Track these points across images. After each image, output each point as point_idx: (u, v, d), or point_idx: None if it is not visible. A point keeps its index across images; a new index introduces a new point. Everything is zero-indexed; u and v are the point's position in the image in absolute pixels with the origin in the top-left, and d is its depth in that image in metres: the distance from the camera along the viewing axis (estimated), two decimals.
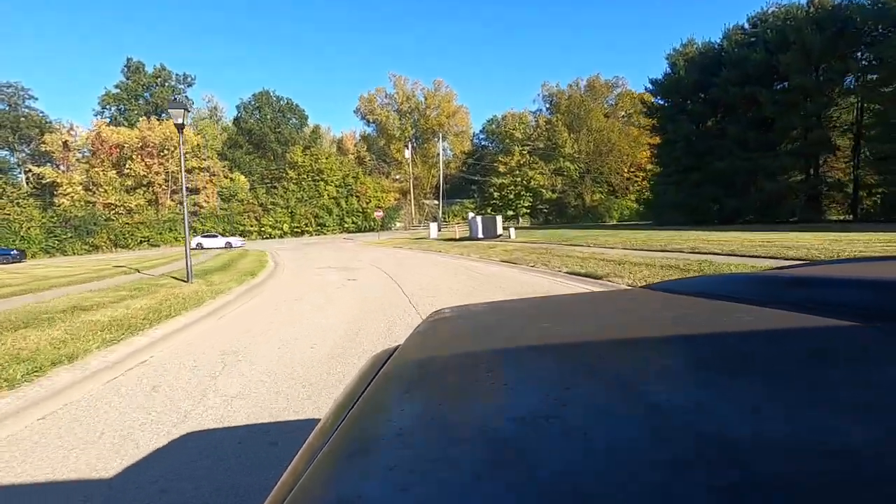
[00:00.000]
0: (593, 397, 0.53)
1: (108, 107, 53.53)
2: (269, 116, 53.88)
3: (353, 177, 52.47)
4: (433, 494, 0.36)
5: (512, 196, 55.43)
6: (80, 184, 43.40)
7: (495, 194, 55.27)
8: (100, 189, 43.75)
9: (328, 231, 50.00)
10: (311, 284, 10.24)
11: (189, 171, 48.17)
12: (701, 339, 0.73)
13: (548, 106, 59.10)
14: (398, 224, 53.25)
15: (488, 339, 0.89)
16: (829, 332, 0.66)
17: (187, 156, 47.78)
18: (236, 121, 54.52)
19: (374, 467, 0.43)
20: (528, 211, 57.80)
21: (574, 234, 20.73)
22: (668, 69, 28.83)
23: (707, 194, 26.17)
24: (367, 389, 0.66)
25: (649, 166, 46.51)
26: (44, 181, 43.18)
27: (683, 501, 0.31)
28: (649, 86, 30.30)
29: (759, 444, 0.37)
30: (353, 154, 60.08)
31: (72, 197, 42.96)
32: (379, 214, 36.40)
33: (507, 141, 56.78)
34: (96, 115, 50.58)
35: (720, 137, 25.54)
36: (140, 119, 46.47)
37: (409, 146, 52.06)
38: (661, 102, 30.21)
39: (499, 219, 23.89)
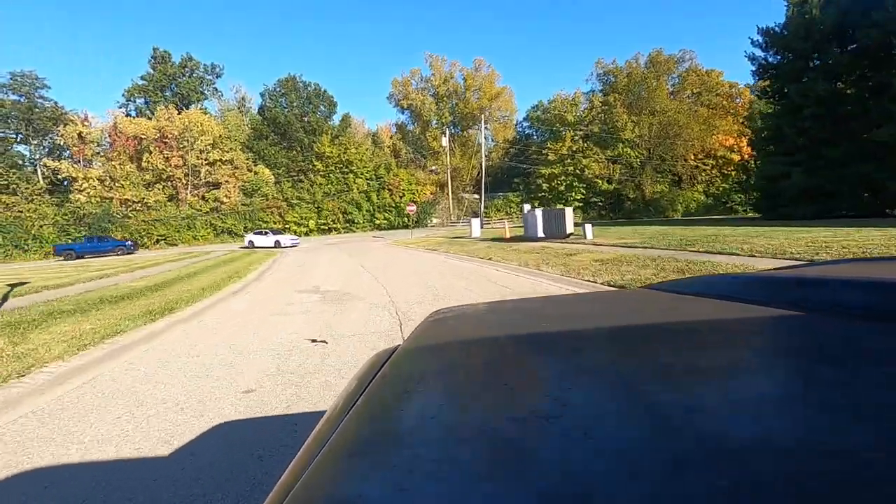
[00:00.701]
0: (593, 397, 0.54)
1: (132, 99, 51.27)
2: (295, 104, 49.93)
3: (386, 168, 47.77)
4: (433, 495, 0.36)
5: (562, 188, 49.23)
6: (97, 178, 40.64)
7: (543, 186, 49.24)
8: (116, 184, 40.90)
9: (357, 228, 45.49)
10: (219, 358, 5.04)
11: (210, 165, 44.90)
12: (701, 339, 0.74)
13: (602, 86, 52.33)
14: (434, 220, 48.15)
15: (488, 339, 0.90)
16: (830, 332, 0.66)
17: (208, 147, 44.44)
18: (261, 110, 51.00)
19: (374, 467, 0.43)
20: (581, 205, 51.43)
21: (682, 234, 14.69)
22: (788, 13, 22.07)
23: (852, 176, 19.40)
24: (367, 390, 0.66)
25: (742, 147, 39.26)
26: (59, 176, 40.75)
27: (684, 501, 0.31)
28: (757, 38, 23.57)
29: (760, 445, 0.37)
30: (388, 147, 55.41)
31: (88, 193, 40.29)
32: (411, 209, 31.38)
33: (557, 126, 50.54)
34: (120, 108, 48.07)
35: (877, 96, 18.69)
36: (158, 108, 43.22)
37: (447, 133, 46.74)
38: (775, 60, 23.41)
39: (569, 212, 18.10)
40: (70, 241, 37.45)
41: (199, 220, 41.68)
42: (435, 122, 53.61)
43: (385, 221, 45.65)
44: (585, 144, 48.87)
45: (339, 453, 0.47)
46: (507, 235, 20.76)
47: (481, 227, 25.11)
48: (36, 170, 41.46)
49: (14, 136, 39.47)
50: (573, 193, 49.78)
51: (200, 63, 54.01)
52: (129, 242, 34.25)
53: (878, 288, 0.77)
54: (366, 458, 0.46)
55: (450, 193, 48.13)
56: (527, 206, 23.83)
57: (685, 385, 0.55)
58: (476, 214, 47.97)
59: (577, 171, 48.20)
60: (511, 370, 0.69)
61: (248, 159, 47.44)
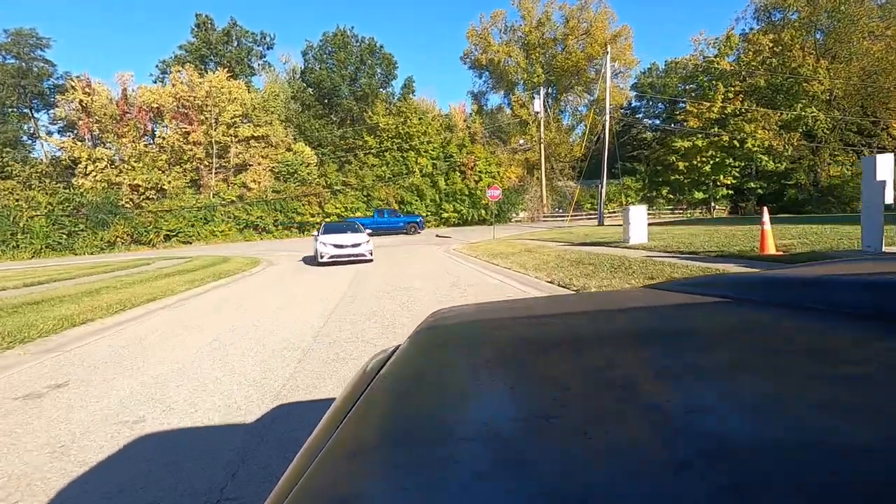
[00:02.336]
0: (593, 397, 0.55)
1: (167, 72, 44.54)
2: (345, 64, 40.03)
3: (458, 145, 36.42)
4: (433, 495, 0.37)
5: (707, 167, 34.90)
6: (106, 158, 33.37)
7: (679, 165, 35.20)
8: (126, 166, 33.39)
9: None
10: None
11: (241, 142, 36.32)
12: (701, 338, 0.75)
13: (762, 25, 36.87)
14: (521, 213, 36.01)
15: (487, 339, 0.91)
16: (830, 332, 0.67)
17: (238, 120, 35.82)
18: (303, 73, 41.71)
19: (374, 468, 0.45)
20: (731, 192, 36.77)
21: None
22: None
23: None
24: (367, 390, 0.67)
25: None
26: (60, 156, 34.07)
27: (684, 502, 0.32)
28: None
29: (760, 445, 0.37)
30: (462, 131, 43.80)
31: (94, 177, 33.15)
32: (493, 194, 19.82)
33: (701, 78, 36.16)
34: (155, 82, 41.08)
35: None
36: (172, 69, 35.18)
37: (540, 94, 34.36)
38: None
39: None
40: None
41: (218, 212, 33.03)
42: (521, 86, 41.40)
43: (455, 214, 34.38)
44: (744, 105, 34.13)
45: (339, 453, 0.48)
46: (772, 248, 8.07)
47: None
48: (35, 148, 34.98)
49: (7, 107, 32.98)
50: (722, 175, 35.32)
51: (248, 31, 46.29)
52: (420, 218, 30.11)
53: (879, 287, 0.77)
54: (366, 459, 0.47)
55: (543, 177, 35.78)
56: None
57: (685, 385, 0.55)
58: (574, 204, 35.54)
59: (733, 143, 33.69)
60: (511, 370, 0.70)
61: (287, 135, 38.44)
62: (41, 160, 35.00)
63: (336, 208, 33.78)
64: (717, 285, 1.06)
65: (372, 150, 36.68)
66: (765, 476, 0.32)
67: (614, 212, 36.93)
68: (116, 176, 33.30)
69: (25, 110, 35.07)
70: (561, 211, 36.85)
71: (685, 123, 35.17)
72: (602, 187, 24.27)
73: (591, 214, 36.46)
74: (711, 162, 34.73)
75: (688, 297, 1.02)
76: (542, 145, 35.56)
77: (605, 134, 23.66)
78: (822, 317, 0.72)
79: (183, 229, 32.26)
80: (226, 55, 44.12)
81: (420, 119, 36.32)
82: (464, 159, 35.55)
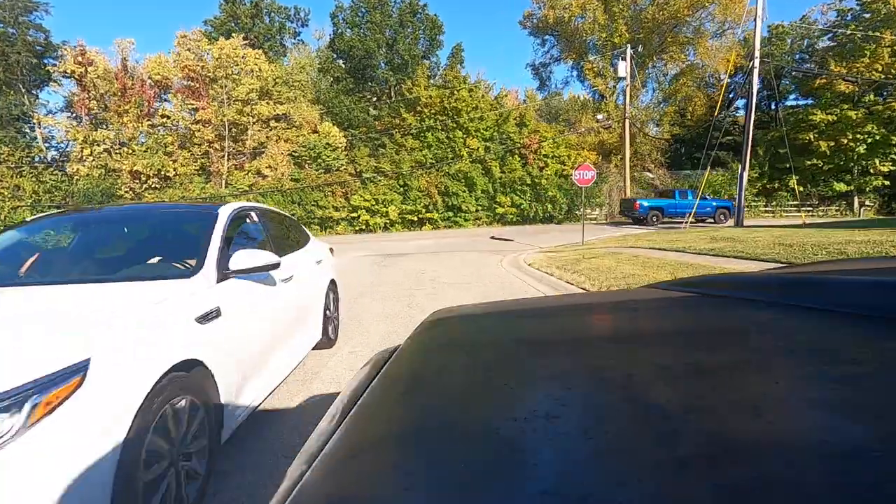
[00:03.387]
0: (593, 397, 0.56)
1: (189, 50, 40.17)
2: (380, 27, 33.79)
3: (518, 122, 29.35)
4: (434, 494, 0.37)
5: (862, 148, 25.95)
6: (107, 141, 28.91)
7: (820, 146, 26.45)
8: (125, 149, 28.77)
9: (465, 219, 27.84)
10: None
11: (260, 122, 31.03)
12: (701, 338, 0.76)
13: None
14: (599, 209, 28.37)
15: (488, 339, 0.91)
16: (830, 332, 0.67)
17: (253, 97, 30.50)
18: (332, 40, 35.85)
19: (376, 467, 0.45)
20: (887, 182, 27.54)
21: None
22: None
23: None
24: (368, 390, 0.67)
25: None
26: (51, 137, 29.96)
27: (683, 501, 0.32)
28: None
29: (760, 444, 0.38)
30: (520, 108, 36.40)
31: (91, 162, 28.79)
32: (585, 176, 12.93)
33: (852, 28, 27.11)
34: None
35: None
36: (176, 35, 30.22)
37: (627, 54, 26.55)
38: None
39: None
40: None
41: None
42: (601, 42, 33.52)
43: (512, 210, 27.37)
44: None
45: (341, 453, 0.48)
46: None
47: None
48: (29, 129, 31.04)
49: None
50: (876, 160, 26.24)
51: (280, 5, 41.34)
52: (731, 203, 24.52)
53: (879, 288, 0.78)
54: (367, 458, 0.47)
55: (627, 163, 28.00)
56: None
57: (685, 385, 0.55)
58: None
59: None
60: (511, 370, 0.70)
61: (313, 114, 32.77)
62: (37, 143, 31.03)
63: (365, 200, 27.63)
64: (717, 285, 1.06)
65: (411, 131, 30.27)
66: (765, 476, 0.32)
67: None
68: (116, 161, 28.74)
69: (20, 86, 31.21)
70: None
71: (834, 86, 26.32)
72: (744, 170, 16.47)
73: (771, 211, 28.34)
74: (869, 140, 25.72)
75: (688, 297, 1.02)
76: (627, 122, 27.76)
77: (750, 90, 15.83)
78: (822, 317, 0.72)
79: None
80: (254, 30, 39.26)
81: (471, 91, 29.46)
82: (525, 139, 28.37)
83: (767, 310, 0.82)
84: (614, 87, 32.66)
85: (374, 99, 34.79)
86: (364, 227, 28.08)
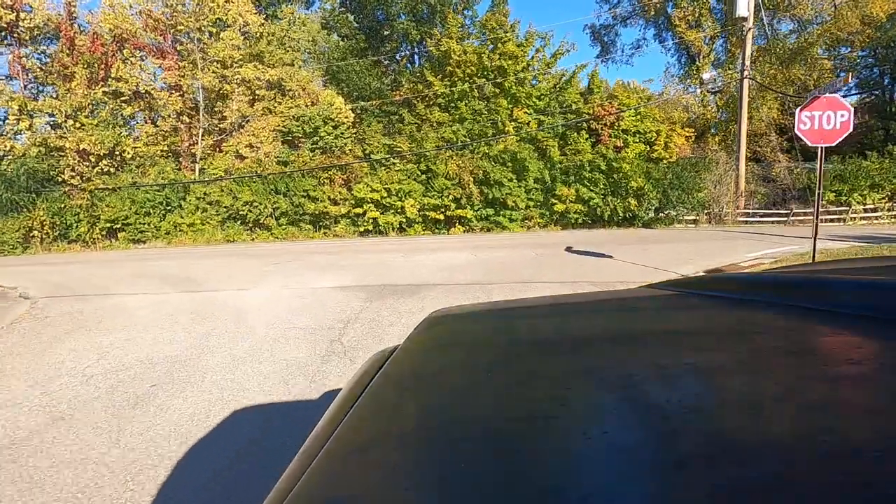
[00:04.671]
0: (593, 397, 0.56)
1: None
2: None
3: (582, 93, 21.73)
4: (433, 494, 0.38)
5: None
6: (48, 110, 22.84)
7: None
8: (69, 122, 22.52)
9: (511, 219, 20.37)
10: None
11: (241, 88, 24.49)
12: (701, 338, 0.76)
13: None
14: (699, 208, 20.26)
15: (488, 338, 0.91)
16: (830, 332, 0.68)
17: (235, 57, 23.90)
18: None
19: (375, 466, 0.46)
20: None
21: None
22: None
23: None
24: (368, 389, 0.68)
25: None
26: None
27: (683, 500, 0.32)
28: None
29: (759, 444, 0.38)
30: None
31: (28, 138, 22.79)
32: (833, 122, 4.41)
33: None
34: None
35: None
36: None
37: None
38: None
39: None
40: None
41: (192, 193, 21.05)
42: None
43: (578, 207, 19.65)
44: None
45: (339, 453, 0.49)
46: None
47: None
48: None
49: None
50: None
51: None
52: None
53: (878, 288, 0.78)
54: (366, 458, 0.48)
55: (743, 142, 19.93)
56: None
57: (685, 385, 0.56)
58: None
59: None
60: (511, 370, 0.70)
61: (312, 79, 25.92)
62: None
63: (373, 191, 20.44)
64: (717, 285, 1.05)
65: (438, 100, 22.95)
66: (764, 476, 0.33)
67: (873, 211, 20.33)
68: (59, 139, 22.49)
69: None
70: (776, 208, 20.74)
71: None
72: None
73: (832, 213, 20.10)
74: None
75: (688, 297, 1.03)
76: (745, 84, 19.66)
77: None
78: (822, 317, 0.72)
79: (132, 220, 20.52)
80: None
81: (520, 44, 21.87)
82: (596, 109, 20.59)
83: (767, 310, 0.82)
84: (712, 43, 24.54)
85: (391, 63, 27.58)
86: (371, 226, 20.93)
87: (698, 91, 25.38)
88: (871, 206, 20.38)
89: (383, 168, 21.28)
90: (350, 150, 22.39)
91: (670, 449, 0.39)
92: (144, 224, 20.73)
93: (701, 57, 25.14)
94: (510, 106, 21.85)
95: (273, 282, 8.46)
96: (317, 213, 20.77)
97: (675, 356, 0.67)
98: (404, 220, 20.85)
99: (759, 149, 22.89)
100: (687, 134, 21.38)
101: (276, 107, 24.38)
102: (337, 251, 13.56)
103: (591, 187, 19.67)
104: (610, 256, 10.00)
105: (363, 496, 0.39)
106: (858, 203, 20.21)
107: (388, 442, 0.51)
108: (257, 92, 24.58)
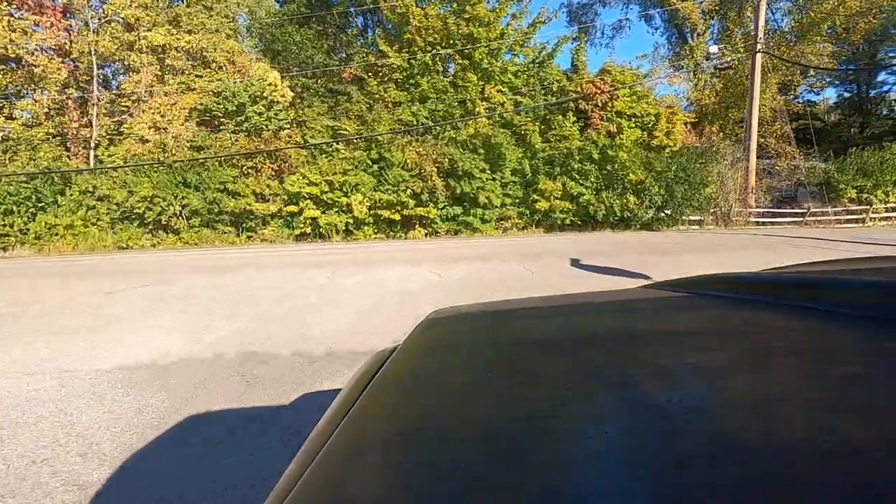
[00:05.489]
0: (593, 397, 0.57)
1: None
2: None
3: (564, 74, 18.50)
4: (433, 494, 0.38)
5: None
6: None
7: None
8: None
9: (484, 219, 16.57)
10: None
11: (156, 54, 19.86)
12: (701, 338, 0.77)
13: None
14: (707, 208, 17.09)
15: (488, 338, 0.92)
16: (830, 332, 0.68)
17: (140, 17, 19.21)
18: None
19: (374, 467, 0.46)
20: None
21: None
22: None
23: None
24: (367, 389, 0.68)
25: None
26: None
27: (683, 500, 0.33)
28: None
29: (760, 444, 0.39)
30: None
31: None
32: None
33: None
34: None
35: None
36: None
37: None
38: None
39: None
40: None
41: (73, 188, 16.32)
42: None
43: (565, 205, 16.09)
44: None
45: (339, 453, 0.49)
46: None
47: None
48: None
49: None
50: None
51: None
52: None
53: (878, 288, 0.78)
54: (366, 458, 0.48)
55: (753, 127, 16.97)
56: None
57: (685, 385, 0.56)
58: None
59: None
60: (510, 370, 0.71)
61: (247, 51, 21.59)
62: None
63: (311, 184, 16.31)
64: (716, 285, 1.07)
65: (395, 75, 19.06)
66: (765, 476, 0.33)
67: (894, 210, 17.88)
68: None
69: None
70: (792, 207, 17.93)
71: None
72: None
73: (853, 213, 17.46)
74: None
75: (687, 297, 1.04)
76: (757, 59, 16.72)
77: None
78: (822, 317, 0.73)
79: None
80: None
81: (493, 9, 18.23)
82: (585, 87, 17.20)
83: (766, 310, 0.82)
84: (707, 17, 21.69)
85: (340, 33, 23.43)
86: (310, 228, 16.78)
87: (692, 74, 22.51)
88: (893, 205, 17.94)
89: (325, 156, 17.17)
90: (287, 134, 18.16)
91: (671, 449, 0.40)
92: (6, 224, 15.83)
93: (696, 35, 22.35)
94: (481, 83, 18.21)
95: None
96: (238, 211, 16.44)
97: (676, 356, 0.68)
98: (351, 221, 16.82)
99: (763, 139, 20.10)
100: (688, 119, 18.29)
101: (195, 82, 19.89)
102: (238, 265, 9.46)
103: (581, 181, 16.22)
104: (647, 277, 6.41)
105: (363, 497, 0.40)
106: (881, 201, 17.70)
107: (387, 442, 0.51)
108: (171, 63, 20.02)
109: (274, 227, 17.12)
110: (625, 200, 15.82)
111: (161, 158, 16.82)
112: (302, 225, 16.75)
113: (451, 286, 6.19)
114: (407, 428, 0.53)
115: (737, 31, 21.67)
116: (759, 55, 16.74)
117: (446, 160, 15.99)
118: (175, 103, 18.45)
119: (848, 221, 17.68)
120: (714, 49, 17.66)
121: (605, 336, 0.84)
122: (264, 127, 18.15)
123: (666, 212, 16.25)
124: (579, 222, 16.49)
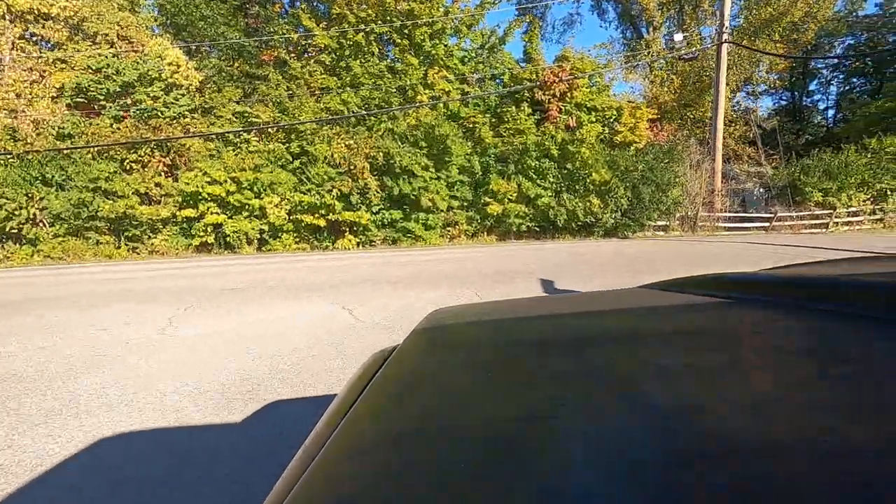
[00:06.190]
0: (593, 397, 0.56)
1: None
2: None
3: (525, 56, 16.63)
4: (432, 495, 0.38)
5: None
6: None
7: None
8: None
9: (428, 225, 14.05)
10: None
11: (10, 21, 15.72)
12: (701, 338, 0.76)
13: None
14: (674, 212, 15.55)
15: (487, 338, 0.92)
16: (830, 332, 0.68)
17: None
18: None
19: (373, 468, 0.46)
20: None
21: None
22: None
23: None
24: (366, 389, 0.68)
25: None
26: None
27: (683, 500, 0.33)
28: None
29: (759, 445, 0.39)
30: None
31: None
32: None
33: None
34: None
35: None
36: None
37: None
38: None
39: None
40: None
41: None
42: None
43: (520, 209, 13.93)
44: None
45: (338, 453, 0.49)
46: None
47: None
48: None
49: None
50: None
51: None
52: None
53: (878, 288, 0.78)
54: (365, 458, 0.48)
55: (719, 123, 15.69)
56: None
57: (684, 385, 0.56)
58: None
59: None
60: (510, 370, 0.70)
61: (136, 24, 18.00)
62: None
63: (214, 182, 13.25)
64: (716, 285, 1.07)
65: (322, 57, 16.32)
66: (765, 476, 0.34)
67: (856, 215, 17.29)
68: None
69: None
70: (754, 211, 16.83)
71: None
72: None
73: (817, 217, 16.59)
74: None
75: (687, 297, 1.04)
76: (723, 49, 15.46)
77: None
78: (823, 317, 0.73)
79: None
80: None
81: None
82: (540, 74, 15.25)
83: (766, 310, 0.82)
84: (664, 10, 20.53)
85: (259, 7, 20.31)
86: (213, 238, 13.67)
87: (649, 71, 21.28)
88: (855, 209, 17.29)
89: (232, 148, 14.12)
90: (186, 123, 14.91)
91: (671, 449, 0.40)
92: None
93: (652, 29, 21.22)
94: (423, 67, 15.82)
95: None
96: (115, 216, 13.04)
97: (676, 356, 0.68)
98: (266, 229, 13.87)
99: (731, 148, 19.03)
100: (651, 115, 16.78)
101: (72, 57, 16.18)
102: (44, 296, 6.43)
103: (539, 181, 14.18)
104: None
105: (363, 497, 0.40)
106: (844, 205, 16.96)
107: (387, 442, 0.50)
108: (39, 32, 16.19)
109: (167, 235, 13.84)
110: (588, 203, 13.92)
111: (10, 149, 13.11)
112: (202, 233, 13.59)
113: (370, 342, 3.68)
114: (407, 428, 0.53)
115: (693, 25, 20.68)
116: (724, 46, 15.47)
117: (381, 155, 13.42)
118: (37, 80, 14.73)
119: (813, 227, 16.87)
120: (679, 37, 16.28)
121: (605, 336, 0.84)
122: (159, 113, 14.83)
123: (631, 216, 14.53)
124: (537, 228, 14.43)
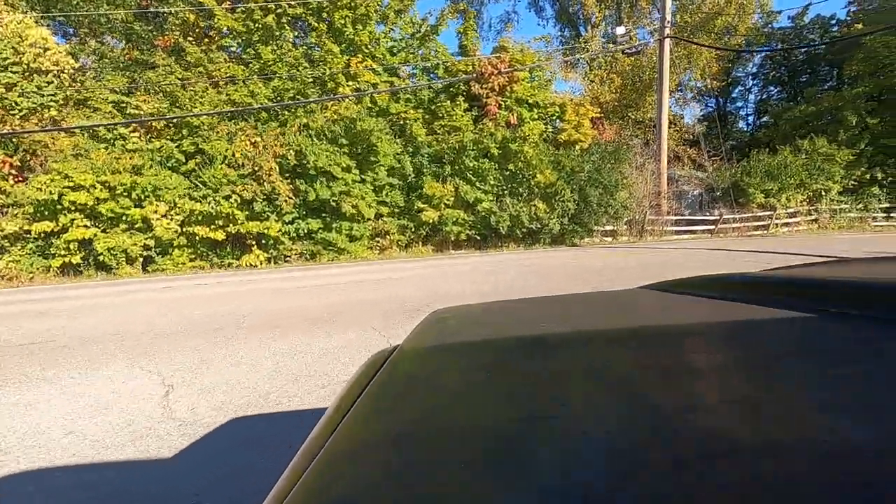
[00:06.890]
0: (593, 397, 0.57)
1: None
2: None
3: (461, 49, 14.91)
4: (433, 495, 0.38)
5: None
6: None
7: None
8: None
9: (352, 236, 12.06)
10: None
11: None
12: (700, 339, 0.77)
13: None
14: (621, 217, 14.53)
15: (488, 338, 0.91)
16: (830, 332, 0.68)
17: None
18: None
19: (374, 467, 0.46)
20: None
21: None
22: None
23: None
24: (367, 389, 0.68)
25: None
26: None
27: (683, 500, 0.33)
28: None
29: (758, 444, 0.39)
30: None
31: None
32: None
33: None
34: None
35: None
36: None
37: None
38: None
39: None
40: None
41: None
42: None
43: (460, 217, 12.40)
44: None
45: (339, 453, 0.49)
46: None
47: None
48: None
49: None
50: None
51: None
52: None
53: (878, 288, 0.78)
54: (366, 459, 0.48)
55: (663, 123, 14.94)
56: None
57: (684, 385, 0.57)
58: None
59: None
60: (510, 370, 0.71)
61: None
62: None
63: (79, 188, 10.59)
64: (715, 285, 1.06)
65: (225, 42, 14.03)
66: (764, 476, 0.34)
67: (793, 216, 17.27)
68: None
69: None
70: (702, 214, 16.29)
71: None
72: None
73: (760, 219, 16.33)
74: None
75: (686, 298, 1.03)
76: (666, 44, 14.78)
77: None
78: (822, 317, 0.73)
79: None
80: None
81: None
82: (477, 65, 13.82)
83: (766, 310, 0.82)
84: (602, 6, 19.93)
85: None
86: (81, 258, 10.97)
87: (588, 69, 20.57)
88: (793, 210, 17.27)
89: (106, 146, 11.51)
90: (50, 116, 12.06)
91: (670, 449, 0.40)
92: None
93: (590, 27, 20.59)
94: (346, 56, 13.92)
95: None
96: None
97: (676, 356, 0.68)
98: (152, 244, 11.35)
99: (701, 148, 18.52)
100: (595, 114, 15.81)
101: None
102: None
103: (478, 183, 12.66)
104: None
105: (363, 497, 0.40)
106: (783, 206, 16.86)
107: (387, 442, 0.51)
108: None
109: (20, 254, 10.99)
110: (533, 208, 12.57)
111: None
112: (65, 252, 10.87)
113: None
114: (407, 428, 0.53)
115: (629, 24, 20.27)
116: (667, 41, 14.79)
117: (292, 154, 11.36)
118: None
119: (755, 229, 16.63)
120: (621, 30, 15.47)
121: (605, 336, 0.84)
122: (14, 104, 11.91)
123: (579, 221, 13.36)
124: (478, 237, 12.91)
